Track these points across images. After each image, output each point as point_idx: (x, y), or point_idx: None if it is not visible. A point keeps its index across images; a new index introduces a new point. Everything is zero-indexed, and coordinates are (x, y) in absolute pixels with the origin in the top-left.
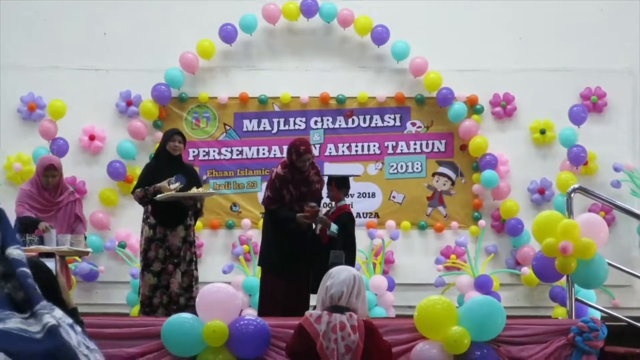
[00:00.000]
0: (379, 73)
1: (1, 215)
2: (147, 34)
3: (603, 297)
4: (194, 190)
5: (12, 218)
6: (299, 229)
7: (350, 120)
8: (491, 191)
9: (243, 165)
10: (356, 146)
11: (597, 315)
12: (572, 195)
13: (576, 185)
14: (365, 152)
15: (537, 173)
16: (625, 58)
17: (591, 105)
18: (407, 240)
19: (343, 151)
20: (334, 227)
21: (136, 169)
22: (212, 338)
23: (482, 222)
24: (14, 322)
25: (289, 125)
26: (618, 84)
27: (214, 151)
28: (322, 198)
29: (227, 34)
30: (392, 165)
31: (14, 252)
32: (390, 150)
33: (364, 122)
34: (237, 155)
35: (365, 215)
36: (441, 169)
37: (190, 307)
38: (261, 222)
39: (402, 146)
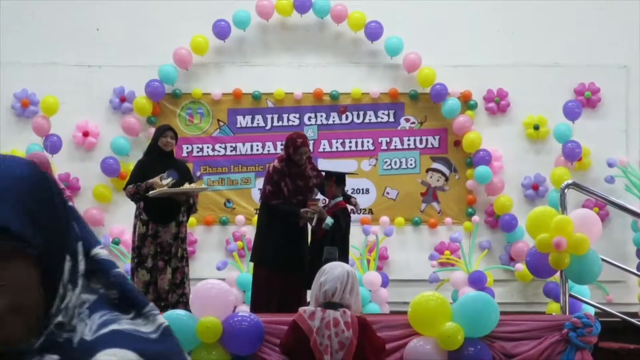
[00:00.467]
0: (372, 69)
1: (75, 213)
2: (140, 30)
3: (597, 293)
4: (186, 186)
5: None
6: (301, 224)
7: (344, 116)
8: (485, 187)
9: (237, 161)
10: (350, 142)
11: (591, 311)
12: (566, 191)
13: (570, 181)
14: (359, 148)
15: (531, 168)
16: (618, 53)
17: (585, 100)
18: (401, 236)
19: (337, 147)
20: (329, 221)
21: (130, 165)
22: (206, 334)
23: (475, 217)
24: (126, 323)
25: (282, 121)
26: (611, 80)
27: (208, 147)
28: (317, 193)
29: (221, 30)
30: (386, 161)
31: (102, 252)
32: (384, 146)
33: (358, 118)
34: (231, 151)
35: (358, 212)
36: (435, 165)
37: (182, 304)
38: (255, 218)
39: (395, 142)
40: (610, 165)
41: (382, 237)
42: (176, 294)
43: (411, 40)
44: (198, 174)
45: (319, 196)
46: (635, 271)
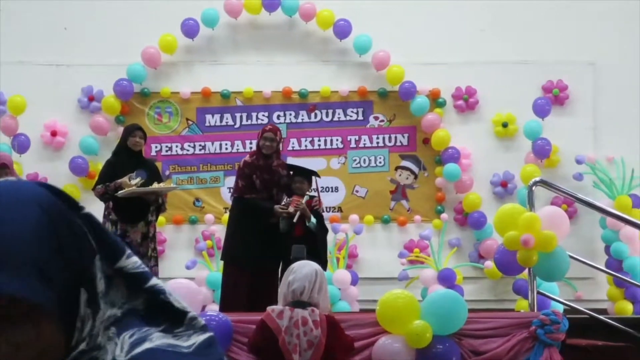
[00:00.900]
0: (341, 67)
1: (92, 221)
2: (108, 28)
3: (566, 290)
4: (155, 185)
5: None
6: (273, 220)
7: (313, 114)
8: (454, 184)
9: (206, 160)
10: (319, 140)
11: (560, 308)
12: (534, 188)
13: (537, 179)
14: (328, 146)
15: (500, 166)
16: (586, 50)
17: (553, 97)
18: (370, 234)
19: (306, 145)
20: (313, 220)
21: (99, 165)
22: None
23: (445, 215)
24: (159, 338)
25: (251, 120)
26: (579, 77)
27: (177, 146)
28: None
29: (189, 29)
30: (355, 160)
31: (129, 263)
32: (353, 145)
33: (327, 116)
34: (200, 150)
35: (328, 210)
36: (404, 163)
37: None
38: (225, 217)
39: (365, 140)
40: (578, 162)
41: (351, 235)
42: None
43: (380, 38)
44: (167, 173)
45: (313, 193)
46: (603, 268)
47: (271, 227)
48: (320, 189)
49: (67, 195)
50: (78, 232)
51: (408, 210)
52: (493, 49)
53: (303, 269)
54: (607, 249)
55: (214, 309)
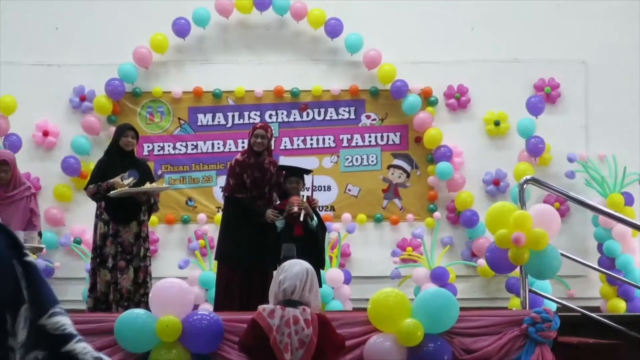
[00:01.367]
0: (332, 66)
1: (32, 272)
2: (99, 28)
3: (559, 288)
4: (148, 185)
5: None
6: (261, 221)
7: (304, 113)
8: (446, 183)
9: (198, 159)
10: (311, 139)
11: (552, 305)
12: (525, 186)
13: (528, 177)
14: (321, 145)
15: (492, 164)
16: (577, 48)
17: (545, 96)
18: (363, 233)
19: (298, 144)
20: (315, 221)
21: (90, 165)
22: (165, 333)
23: (437, 214)
24: None
25: (243, 119)
26: (571, 75)
27: (169, 146)
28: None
29: (181, 28)
30: (347, 158)
31: (49, 323)
32: (345, 143)
33: (319, 115)
34: (192, 149)
35: (320, 209)
36: (396, 162)
37: (144, 303)
38: (217, 216)
39: (357, 139)
40: (570, 160)
41: (344, 234)
42: (139, 294)
43: (371, 37)
44: (159, 172)
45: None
46: (595, 266)
47: (264, 226)
48: (315, 187)
49: (17, 240)
50: (4, 274)
51: (400, 209)
52: (484, 47)
53: (294, 267)
54: (599, 247)
55: (207, 308)
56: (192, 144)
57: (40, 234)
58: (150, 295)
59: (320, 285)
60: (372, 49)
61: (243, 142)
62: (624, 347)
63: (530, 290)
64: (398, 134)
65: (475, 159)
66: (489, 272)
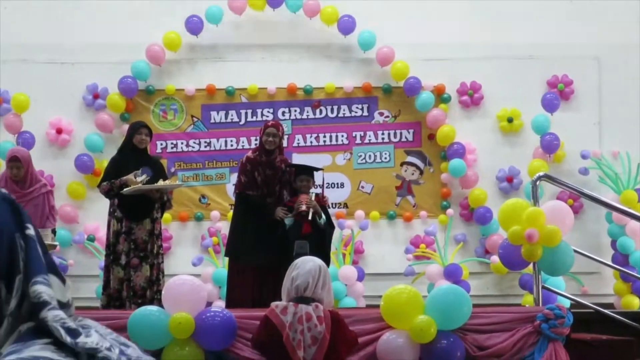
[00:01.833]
0: (345, 63)
1: (30, 244)
2: (113, 26)
3: (572, 284)
4: (161, 182)
5: None
6: (271, 218)
7: (317, 110)
8: (459, 180)
9: (211, 157)
10: (324, 136)
11: (566, 302)
12: (538, 183)
13: (541, 173)
14: (334, 142)
15: (505, 161)
16: (591, 45)
17: (558, 92)
18: (376, 230)
19: (311, 142)
20: (324, 217)
21: (104, 162)
22: (178, 330)
23: (450, 211)
24: (30, 351)
25: (256, 117)
26: (584, 71)
27: (182, 143)
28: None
29: (194, 26)
30: (361, 155)
31: (31, 290)
32: (358, 140)
33: (332, 112)
34: (205, 147)
35: (334, 206)
36: (409, 159)
37: (157, 300)
38: (230, 213)
39: (370, 136)
40: (584, 157)
41: (357, 231)
42: (152, 291)
43: (384, 34)
44: (172, 170)
45: (317, 190)
46: (609, 262)
47: (275, 223)
48: (326, 185)
49: (20, 211)
50: (7, 245)
51: (414, 206)
52: (497, 44)
53: (306, 264)
54: (613, 244)
55: (220, 305)
56: (205, 142)
57: (54, 232)
58: (163, 292)
59: None
60: (385, 46)
61: (256, 140)
62: (638, 344)
63: (543, 287)
64: (411, 131)
65: (489, 156)
66: (502, 269)
